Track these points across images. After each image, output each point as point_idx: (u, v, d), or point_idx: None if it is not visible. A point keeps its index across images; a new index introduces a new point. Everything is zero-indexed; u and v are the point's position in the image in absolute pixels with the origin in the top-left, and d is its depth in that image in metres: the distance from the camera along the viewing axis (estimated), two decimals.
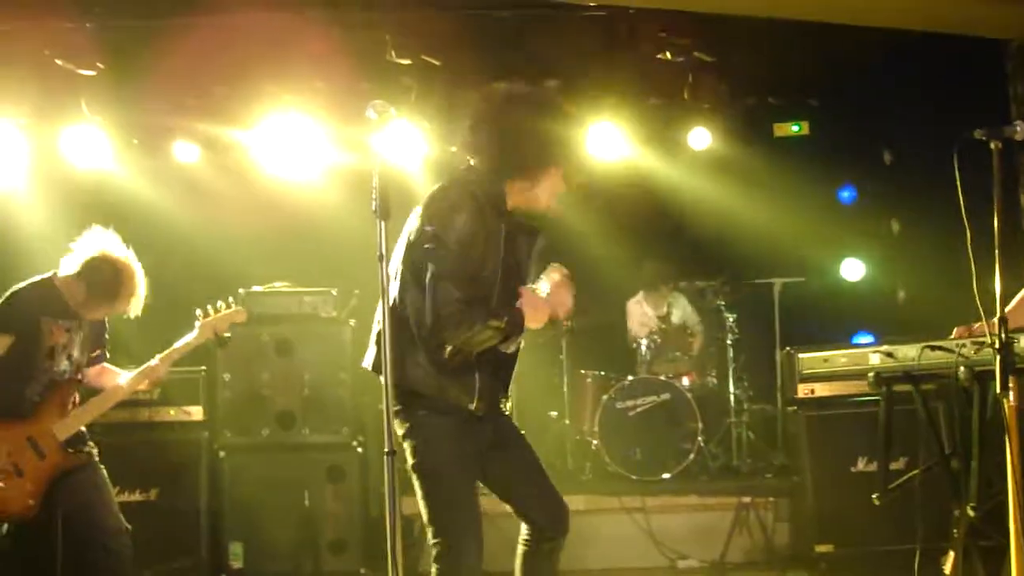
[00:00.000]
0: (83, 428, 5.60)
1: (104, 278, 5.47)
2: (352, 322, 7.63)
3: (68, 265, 5.49)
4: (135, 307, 5.60)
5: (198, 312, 5.80)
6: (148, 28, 8.01)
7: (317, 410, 7.57)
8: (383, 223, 3.77)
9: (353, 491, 7.54)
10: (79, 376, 5.63)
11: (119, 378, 5.74)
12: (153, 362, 5.68)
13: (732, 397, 9.14)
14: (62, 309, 5.50)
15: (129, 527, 5.56)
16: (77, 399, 5.63)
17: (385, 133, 3.93)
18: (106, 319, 5.78)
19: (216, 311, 5.82)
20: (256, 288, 7.76)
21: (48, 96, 8.48)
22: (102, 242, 5.52)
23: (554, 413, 9.19)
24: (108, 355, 5.87)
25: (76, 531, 5.45)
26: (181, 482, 7.38)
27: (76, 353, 5.58)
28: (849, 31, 7.74)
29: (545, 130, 4.19)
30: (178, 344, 5.75)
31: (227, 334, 5.88)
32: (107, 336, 5.85)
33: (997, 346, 3.99)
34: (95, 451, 5.62)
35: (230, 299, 5.97)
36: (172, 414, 7.45)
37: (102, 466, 5.61)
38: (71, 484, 5.47)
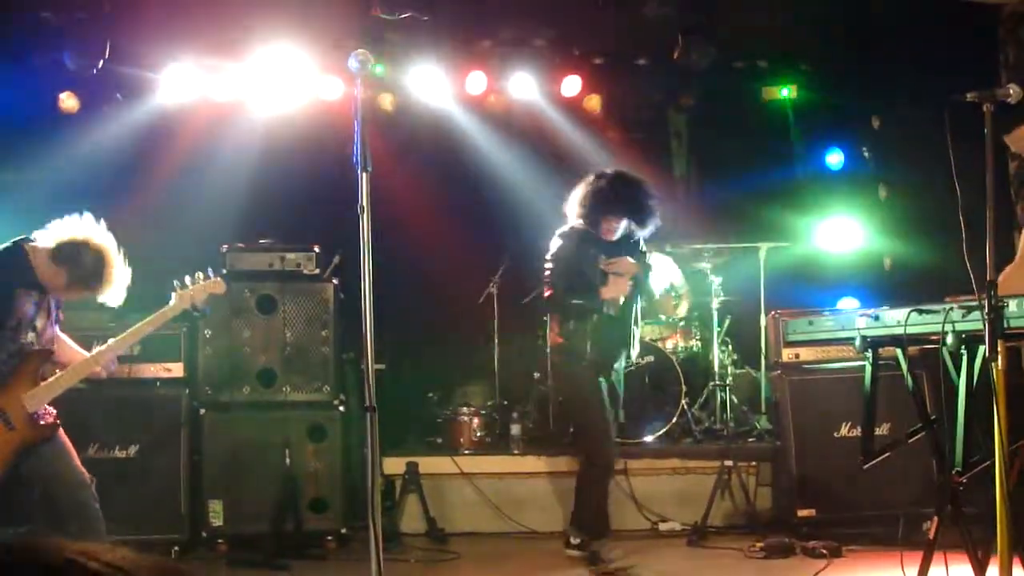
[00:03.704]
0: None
1: (85, 266, 5.28)
2: (335, 279, 7.56)
3: (45, 239, 5.30)
4: (114, 297, 5.42)
5: (175, 283, 5.60)
6: None
7: (298, 368, 7.52)
8: (364, 175, 3.70)
9: (334, 450, 7.51)
10: (50, 347, 5.46)
11: (71, 350, 5.55)
12: (121, 336, 5.49)
13: (716, 361, 9.11)
14: (32, 279, 5.33)
15: (92, 478, 5.43)
16: (46, 370, 5.42)
17: (368, 85, 3.87)
18: None
19: (194, 282, 5.61)
20: (238, 244, 7.68)
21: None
22: (85, 228, 5.33)
23: (537, 374, 9.15)
24: (62, 317, 5.63)
25: (46, 498, 5.36)
26: (161, 440, 7.32)
27: (40, 323, 5.40)
28: None
29: None
30: (152, 316, 5.53)
31: (205, 307, 5.76)
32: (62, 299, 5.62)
33: (987, 310, 3.95)
34: (56, 419, 5.42)
35: (209, 270, 5.71)
36: (152, 371, 7.37)
37: (61, 428, 5.43)
38: (38, 456, 5.31)
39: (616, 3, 8.53)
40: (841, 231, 10.02)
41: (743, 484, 7.86)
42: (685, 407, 8.61)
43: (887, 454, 5.06)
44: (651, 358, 8.59)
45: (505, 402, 9.08)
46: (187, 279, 5.61)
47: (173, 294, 5.59)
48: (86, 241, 5.33)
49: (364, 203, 3.67)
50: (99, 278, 5.36)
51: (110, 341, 5.51)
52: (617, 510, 7.68)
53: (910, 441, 5.07)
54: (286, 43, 8.63)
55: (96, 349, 5.49)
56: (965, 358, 4.31)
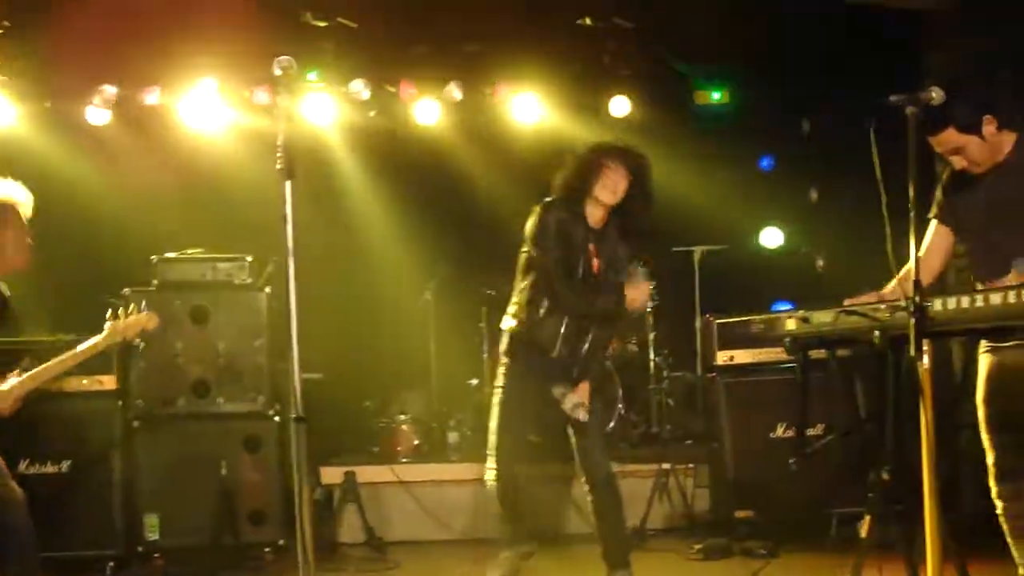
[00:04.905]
0: None
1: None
2: (268, 289, 7.50)
3: None
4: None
5: (108, 313, 5.48)
6: None
7: (232, 379, 7.44)
8: (288, 183, 3.68)
9: (271, 461, 7.43)
10: None
11: None
12: (31, 372, 5.33)
13: (652, 364, 9.15)
14: None
15: (24, 494, 5.31)
16: None
17: (296, 93, 3.87)
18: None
19: (127, 314, 5.47)
20: (169, 254, 7.59)
21: None
22: None
23: (475, 381, 9.15)
24: None
25: None
26: (94, 453, 7.22)
27: None
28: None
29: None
30: (82, 347, 5.39)
31: (138, 341, 5.66)
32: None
33: (912, 309, 3.99)
34: None
35: (143, 304, 5.62)
36: (84, 383, 7.24)
37: None
38: None
39: (547, 9, 8.55)
40: (774, 234, 10.12)
41: (681, 487, 7.90)
42: (622, 411, 8.63)
43: (822, 454, 5.10)
44: None
45: (443, 409, 9.07)
46: (120, 310, 5.49)
47: (105, 325, 5.48)
48: None
49: (287, 211, 3.65)
50: (11, 208, 5.28)
51: (13, 380, 5.32)
52: (558, 515, 7.72)
53: (843, 440, 5.11)
54: (216, 51, 8.57)
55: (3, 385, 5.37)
56: (892, 357, 4.36)
